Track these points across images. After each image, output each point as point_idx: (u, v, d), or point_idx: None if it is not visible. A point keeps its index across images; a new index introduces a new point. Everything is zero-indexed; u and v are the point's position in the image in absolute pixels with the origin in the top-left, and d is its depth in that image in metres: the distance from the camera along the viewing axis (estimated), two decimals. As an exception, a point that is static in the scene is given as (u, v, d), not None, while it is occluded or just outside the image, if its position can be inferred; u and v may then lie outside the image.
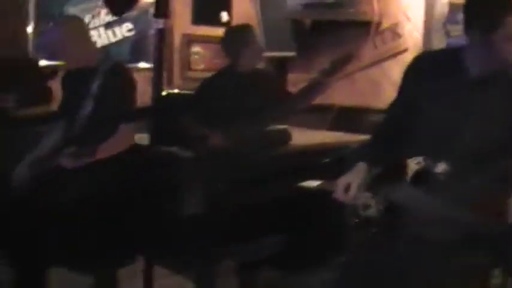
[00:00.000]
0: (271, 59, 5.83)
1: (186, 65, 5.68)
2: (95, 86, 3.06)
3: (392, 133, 2.29)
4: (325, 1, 5.22)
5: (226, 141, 3.59)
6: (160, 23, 1.60)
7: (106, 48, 5.13)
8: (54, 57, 4.50)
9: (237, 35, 3.80)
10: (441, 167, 2.04)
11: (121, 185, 3.44)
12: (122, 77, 3.16)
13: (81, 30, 3.26)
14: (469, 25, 2.05)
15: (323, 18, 5.37)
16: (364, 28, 5.31)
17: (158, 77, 1.47)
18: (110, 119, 3.08)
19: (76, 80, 3.22)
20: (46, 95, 4.29)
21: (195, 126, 3.74)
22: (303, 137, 4.66)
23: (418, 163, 2.08)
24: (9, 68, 4.15)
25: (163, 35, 1.68)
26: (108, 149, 3.06)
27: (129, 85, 3.18)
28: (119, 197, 3.45)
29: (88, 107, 3.07)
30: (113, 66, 3.15)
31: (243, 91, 3.71)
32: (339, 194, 2.27)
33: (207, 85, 3.95)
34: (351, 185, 2.26)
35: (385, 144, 2.30)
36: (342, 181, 2.28)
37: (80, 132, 3.09)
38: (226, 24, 5.55)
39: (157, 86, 1.49)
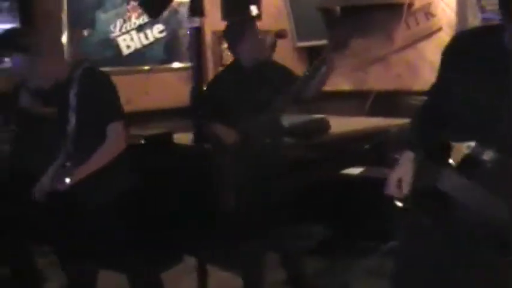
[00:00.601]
0: (304, 49, 5.81)
1: (219, 61, 5.69)
2: (72, 97, 2.93)
3: (436, 118, 2.22)
4: (354, -14, 5.17)
5: (241, 135, 3.59)
6: (196, 22, 1.59)
7: (136, 52, 5.18)
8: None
9: (234, 30, 3.76)
10: (488, 154, 1.98)
11: (160, 184, 3.47)
12: (95, 80, 3.04)
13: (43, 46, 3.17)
14: (501, 4, 1.98)
15: (354, 3, 5.31)
16: (396, 10, 5.24)
17: (198, 74, 1.47)
18: (96, 124, 2.98)
19: (58, 93, 3.11)
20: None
21: (208, 124, 3.74)
22: (342, 124, 4.63)
23: (468, 147, 2.02)
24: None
25: (199, 34, 1.68)
26: (103, 157, 2.94)
27: (106, 86, 3.06)
28: (158, 195, 3.48)
29: (72, 119, 2.95)
30: (84, 72, 3.03)
31: (249, 84, 3.69)
32: (392, 190, 2.22)
33: (215, 81, 3.95)
34: (402, 179, 2.21)
35: (429, 129, 2.23)
36: (394, 177, 2.22)
37: (71, 146, 3.00)
38: (257, 18, 5.54)
39: (197, 83, 1.49)
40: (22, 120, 3.70)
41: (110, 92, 3.01)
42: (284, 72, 3.82)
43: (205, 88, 3.93)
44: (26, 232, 3.57)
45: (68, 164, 2.98)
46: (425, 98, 2.37)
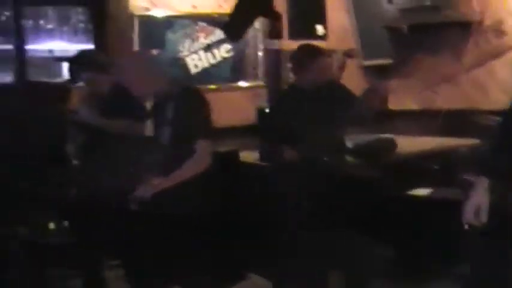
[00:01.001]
0: (369, 67, 5.77)
1: (285, 80, 5.71)
2: (169, 111, 3.15)
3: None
4: (423, 4, 5.10)
5: (303, 154, 3.59)
6: (274, 44, 1.62)
7: (203, 71, 5.27)
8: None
9: (301, 55, 3.80)
10: None
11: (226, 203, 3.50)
12: (191, 98, 3.22)
13: (145, 63, 3.34)
14: None
15: (421, 22, 5.24)
16: (465, 29, 5.14)
17: (273, 94, 1.49)
18: (187, 140, 3.11)
19: (157, 107, 3.33)
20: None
21: (272, 143, 3.77)
22: (410, 144, 4.56)
23: None
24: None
25: (278, 55, 1.71)
26: (187, 172, 3.09)
27: (200, 105, 3.22)
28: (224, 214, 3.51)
29: (166, 132, 3.15)
30: (183, 90, 3.23)
31: (311, 104, 3.70)
32: (469, 218, 2.17)
33: (278, 101, 3.99)
34: (480, 207, 2.15)
35: (506, 155, 2.16)
36: (472, 205, 2.16)
37: (162, 157, 3.16)
38: (323, 37, 5.55)
39: (272, 103, 1.51)
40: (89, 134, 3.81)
41: (203, 110, 3.18)
42: (344, 93, 3.84)
43: (269, 108, 3.98)
44: (103, 245, 3.70)
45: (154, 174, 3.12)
46: (495, 118, 2.31)
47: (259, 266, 4.13)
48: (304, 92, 3.75)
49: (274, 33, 1.45)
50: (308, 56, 3.72)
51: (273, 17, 1.48)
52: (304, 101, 3.72)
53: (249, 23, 1.52)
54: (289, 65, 3.83)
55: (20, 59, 1.47)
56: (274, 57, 1.47)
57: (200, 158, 3.12)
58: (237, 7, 1.49)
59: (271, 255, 4.05)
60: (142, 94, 3.33)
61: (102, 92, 3.73)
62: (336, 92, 3.82)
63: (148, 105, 3.38)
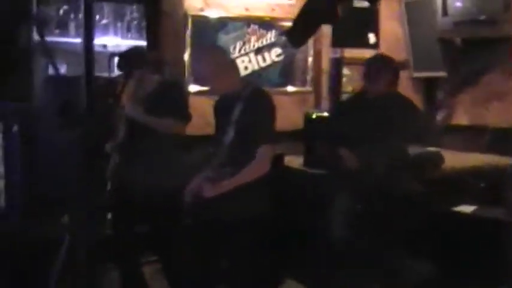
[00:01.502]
0: (420, 80, 5.71)
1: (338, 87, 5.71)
2: (236, 112, 3.14)
3: None
4: (478, 18, 5.02)
5: (360, 162, 3.57)
6: (337, 52, 1.63)
7: (253, 73, 5.28)
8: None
9: (372, 64, 3.81)
10: None
11: (271, 207, 3.51)
12: (260, 102, 3.19)
13: (224, 60, 3.36)
14: None
15: (476, 36, 5.16)
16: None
17: (333, 103, 1.50)
18: (251, 144, 3.12)
19: (223, 106, 3.33)
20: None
21: (330, 148, 3.75)
22: (457, 159, 4.50)
23: None
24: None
25: (340, 64, 1.72)
26: (247, 175, 3.11)
27: (267, 109, 3.20)
28: (269, 219, 3.52)
29: (230, 132, 3.15)
30: (253, 91, 3.20)
31: (373, 113, 3.68)
32: None
33: (340, 108, 3.98)
34: None
35: None
36: None
37: (224, 157, 3.18)
38: (374, 46, 5.52)
39: (333, 111, 1.52)
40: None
41: (270, 115, 3.18)
42: (409, 106, 3.82)
43: (329, 113, 3.99)
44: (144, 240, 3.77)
45: (213, 174, 3.14)
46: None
47: (298, 272, 4.13)
48: (369, 100, 3.75)
49: (337, 41, 1.45)
50: (384, 65, 3.74)
51: (337, 25, 1.49)
52: (369, 109, 3.72)
53: (314, 29, 1.53)
54: (363, 72, 3.82)
55: (87, 53, 1.52)
56: (335, 66, 1.48)
57: (262, 162, 3.12)
58: (302, 12, 1.50)
59: (310, 262, 4.05)
60: (217, 91, 3.30)
61: (149, 89, 3.77)
62: (400, 103, 3.81)
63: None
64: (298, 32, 1.64)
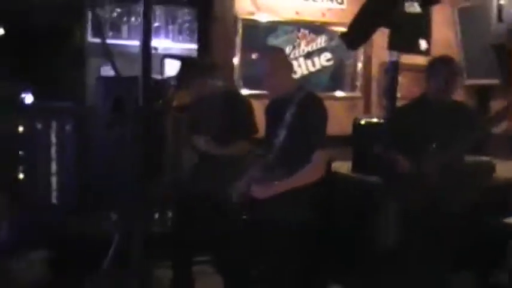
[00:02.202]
0: (473, 87, 5.61)
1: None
2: (288, 115, 3.14)
3: None
4: (534, 25, 4.91)
5: (416, 168, 3.51)
6: (394, 56, 1.62)
7: (302, 78, 5.27)
8: (259, 87, 4.75)
9: (432, 66, 3.75)
10: None
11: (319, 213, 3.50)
12: (313, 106, 3.20)
13: (285, 61, 3.39)
14: None
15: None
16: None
17: (391, 108, 1.49)
18: (302, 148, 3.12)
19: (275, 109, 3.34)
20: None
21: (386, 153, 3.70)
22: (507, 169, 4.40)
23: None
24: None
25: (397, 67, 1.71)
26: (300, 180, 3.10)
27: (321, 114, 3.20)
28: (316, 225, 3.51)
29: (281, 135, 3.15)
30: (306, 96, 3.20)
31: (433, 120, 3.62)
32: None
33: (400, 113, 3.92)
34: None
35: None
36: None
37: (274, 160, 3.18)
38: (425, 52, 5.44)
39: (390, 117, 1.51)
40: None
41: (323, 120, 3.17)
42: (473, 116, 3.76)
43: (390, 118, 3.96)
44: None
45: (263, 176, 3.15)
46: None
47: (344, 279, 4.10)
48: (429, 105, 3.70)
49: (394, 45, 1.44)
50: (444, 66, 3.69)
51: (394, 28, 1.48)
52: (428, 114, 3.67)
53: (370, 32, 1.51)
54: (426, 74, 3.79)
55: (145, 53, 1.55)
56: (392, 70, 1.46)
57: (318, 166, 3.11)
58: (358, 16, 1.49)
59: (357, 270, 4.02)
60: (274, 92, 3.30)
61: (212, 102, 3.80)
62: (465, 112, 3.76)
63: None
64: (354, 34, 1.63)
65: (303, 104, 3.13)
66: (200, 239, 3.86)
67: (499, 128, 3.52)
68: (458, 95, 5.31)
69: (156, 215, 5.05)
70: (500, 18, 5.05)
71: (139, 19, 5.67)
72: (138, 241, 1.80)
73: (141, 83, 1.69)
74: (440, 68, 3.67)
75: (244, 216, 3.31)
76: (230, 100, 3.80)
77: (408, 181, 3.52)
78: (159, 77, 4.17)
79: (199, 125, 3.82)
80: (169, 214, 4.76)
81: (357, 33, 1.56)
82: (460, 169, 3.67)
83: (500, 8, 5.03)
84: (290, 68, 3.43)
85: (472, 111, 3.89)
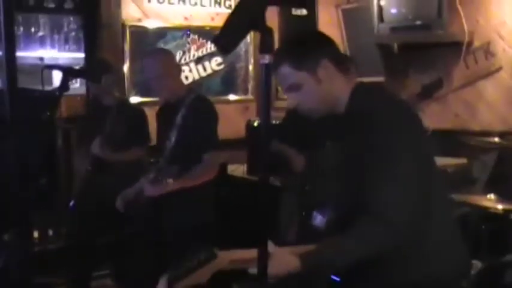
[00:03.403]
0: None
1: (274, 94, 5.75)
2: (179, 118, 3.16)
3: None
4: (414, 24, 5.14)
5: (313, 165, 3.59)
6: (266, 58, 1.64)
7: (194, 83, 5.27)
8: (150, 94, 4.69)
9: None
10: None
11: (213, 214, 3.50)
12: (203, 108, 3.24)
13: (172, 62, 3.39)
14: None
15: (412, 41, 5.29)
16: (455, 49, 5.18)
17: (265, 109, 1.51)
18: (193, 148, 3.15)
19: (166, 113, 3.34)
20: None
21: (281, 150, 3.77)
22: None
23: None
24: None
25: (269, 69, 1.74)
26: (192, 179, 3.13)
27: (210, 116, 3.25)
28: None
29: (173, 137, 3.17)
30: (195, 98, 3.24)
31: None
32: None
33: (292, 111, 3.99)
34: None
35: None
36: None
37: (166, 162, 3.19)
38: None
39: (264, 117, 1.53)
40: None
41: (213, 122, 3.25)
42: None
43: (284, 117, 4.02)
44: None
45: (156, 176, 3.13)
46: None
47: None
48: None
49: (264, 48, 1.47)
50: None
51: (265, 31, 1.50)
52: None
53: (241, 36, 1.53)
54: None
55: (8, 64, 1.47)
56: (266, 72, 1.49)
57: (208, 167, 3.15)
58: (229, 20, 1.50)
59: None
60: (164, 95, 3.35)
61: (100, 106, 3.73)
62: None
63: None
64: (225, 39, 1.65)
65: (192, 107, 3.16)
66: (98, 249, 3.78)
67: None
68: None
69: (50, 232, 4.90)
70: (381, 18, 5.25)
71: (22, 29, 5.46)
72: (19, 260, 1.71)
73: (7, 95, 1.61)
74: None
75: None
76: (123, 109, 3.75)
77: (301, 177, 3.58)
78: (49, 87, 4.04)
79: (91, 135, 3.74)
80: (64, 229, 4.62)
81: (228, 38, 1.58)
82: None
83: (381, 9, 5.23)
84: (178, 70, 3.43)
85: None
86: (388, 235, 1.84)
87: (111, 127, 3.64)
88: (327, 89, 2.06)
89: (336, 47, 2.16)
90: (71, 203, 3.74)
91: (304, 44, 2.11)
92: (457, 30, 5.07)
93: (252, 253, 1.80)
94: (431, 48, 5.32)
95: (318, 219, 2.11)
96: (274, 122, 4.55)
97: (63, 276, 3.93)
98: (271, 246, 1.90)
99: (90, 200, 3.71)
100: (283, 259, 1.92)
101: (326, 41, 2.10)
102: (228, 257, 1.89)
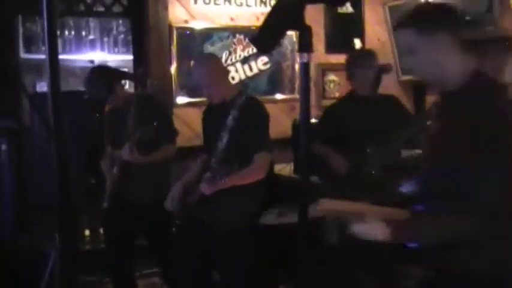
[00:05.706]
0: (409, 83, 5.74)
1: (321, 93, 5.73)
2: (231, 119, 3.20)
3: None
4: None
5: (356, 169, 3.57)
6: (305, 57, 1.65)
7: (240, 83, 5.29)
8: (197, 95, 4.75)
9: (353, 60, 3.85)
10: None
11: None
12: (255, 110, 3.27)
13: (219, 68, 3.41)
14: None
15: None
16: (505, 44, 5.07)
17: (305, 108, 1.52)
18: (246, 149, 3.18)
19: (215, 114, 3.38)
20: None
21: (322, 151, 3.76)
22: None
23: None
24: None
25: (308, 69, 1.74)
26: (243, 178, 3.16)
27: (262, 117, 3.28)
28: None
29: (224, 138, 3.20)
30: (247, 100, 3.28)
31: (364, 115, 3.69)
32: None
33: (331, 111, 3.98)
34: None
35: None
36: None
37: (218, 162, 3.23)
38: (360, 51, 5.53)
39: (304, 117, 1.52)
40: None
41: (265, 124, 3.28)
42: (404, 112, 3.84)
43: (321, 117, 4.01)
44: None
45: (210, 175, 3.19)
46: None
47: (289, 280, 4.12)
48: (358, 101, 3.76)
49: (303, 46, 1.46)
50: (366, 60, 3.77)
51: (303, 30, 1.50)
52: (359, 110, 3.72)
53: (279, 36, 1.53)
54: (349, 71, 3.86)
55: (52, 68, 1.52)
56: (304, 71, 1.49)
57: (260, 167, 3.22)
58: (267, 20, 1.50)
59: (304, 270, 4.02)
60: (216, 101, 3.36)
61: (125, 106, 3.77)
62: (391, 104, 3.84)
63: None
64: (264, 38, 1.65)
65: (244, 108, 3.21)
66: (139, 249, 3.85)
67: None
68: (395, 91, 5.44)
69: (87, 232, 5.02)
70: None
71: (73, 32, 5.59)
72: (70, 260, 1.76)
73: (50, 98, 1.65)
74: (363, 62, 3.75)
75: (177, 222, 3.33)
76: (149, 107, 3.78)
77: (346, 180, 3.57)
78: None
79: (119, 135, 3.76)
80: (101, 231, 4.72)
81: (267, 37, 1.58)
82: (398, 164, 3.74)
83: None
84: (226, 73, 3.48)
85: (402, 103, 3.96)
86: (485, 228, 1.86)
87: (135, 124, 3.64)
88: (441, 61, 2.06)
89: (463, 24, 2.15)
90: (105, 204, 3.78)
91: (430, 13, 2.12)
92: (508, 24, 4.97)
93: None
94: (482, 45, 5.20)
95: (406, 187, 2.12)
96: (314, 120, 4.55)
97: (107, 275, 4.00)
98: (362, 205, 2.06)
99: (122, 201, 3.74)
100: (375, 226, 2.03)
101: (452, 15, 2.08)
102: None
